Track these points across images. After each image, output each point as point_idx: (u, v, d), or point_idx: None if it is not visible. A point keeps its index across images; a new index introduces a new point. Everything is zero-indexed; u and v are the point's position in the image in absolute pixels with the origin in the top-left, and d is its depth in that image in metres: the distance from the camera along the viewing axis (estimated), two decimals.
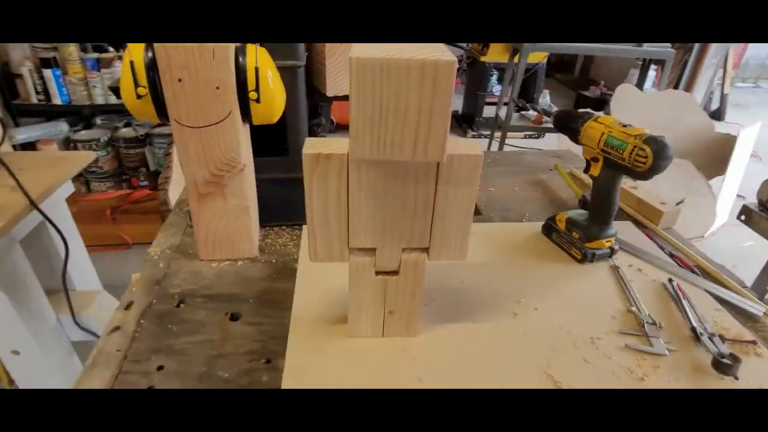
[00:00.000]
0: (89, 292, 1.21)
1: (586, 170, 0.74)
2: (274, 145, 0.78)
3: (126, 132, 2.31)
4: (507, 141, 2.80)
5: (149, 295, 0.67)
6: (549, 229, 0.81)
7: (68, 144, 2.35)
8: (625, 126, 0.67)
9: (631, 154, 0.64)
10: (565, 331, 0.62)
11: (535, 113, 3.21)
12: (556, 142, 2.71)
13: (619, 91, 2.27)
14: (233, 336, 0.61)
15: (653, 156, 0.62)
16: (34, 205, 0.95)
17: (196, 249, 0.74)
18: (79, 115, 2.42)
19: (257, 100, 0.62)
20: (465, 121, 3.87)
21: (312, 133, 0.86)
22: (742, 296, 0.69)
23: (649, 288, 0.71)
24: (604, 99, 3.83)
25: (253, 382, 0.54)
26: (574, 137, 0.74)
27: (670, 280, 0.71)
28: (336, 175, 0.46)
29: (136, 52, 0.58)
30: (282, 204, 0.82)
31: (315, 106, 0.87)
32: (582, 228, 0.75)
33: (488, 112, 3.50)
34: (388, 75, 0.39)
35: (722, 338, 0.60)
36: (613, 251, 0.76)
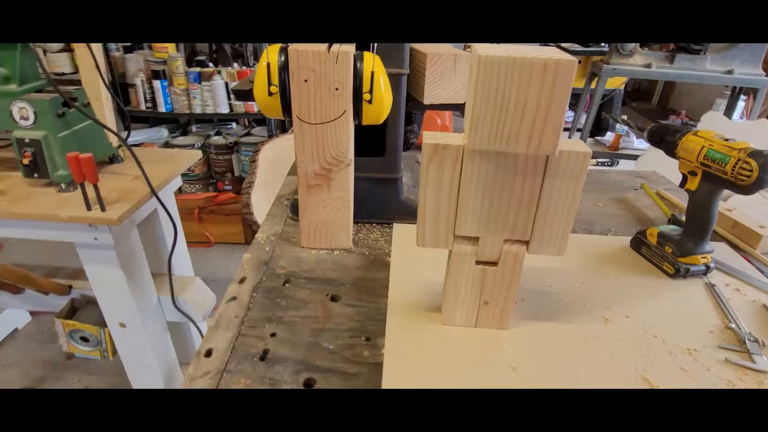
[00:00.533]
0: (186, 278, 1.34)
1: (682, 184, 0.74)
2: (373, 145, 0.85)
3: (217, 140, 2.52)
4: None
5: (259, 273, 0.74)
6: (638, 243, 0.81)
7: (167, 148, 2.59)
8: (727, 140, 0.67)
9: (734, 167, 0.64)
10: (660, 340, 0.61)
11: (611, 139, 3.13)
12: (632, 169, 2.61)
13: (705, 121, 2.17)
14: (334, 314, 0.66)
15: (759, 169, 0.61)
16: (154, 193, 1.08)
17: (298, 237, 0.82)
18: (177, 123, 2.68)
19: (370, 102, 0.69)
20: None
21: (405, 140, 0.92)
22: None
23: (748, 308, 0.68)
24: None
25: (355, 355, 0.59)
26: (671, 151, 0.74)
27: None
28: (451, 164, 0.51)
29: (272, 55, 0.67)
30: (375, 202, 0.88)
31: (409, 114, 0.93)
32: (675, 243, 0.74)
33: None
34: (511, 72, 0.44)
35: None
36: (708, 269, 0.74)
